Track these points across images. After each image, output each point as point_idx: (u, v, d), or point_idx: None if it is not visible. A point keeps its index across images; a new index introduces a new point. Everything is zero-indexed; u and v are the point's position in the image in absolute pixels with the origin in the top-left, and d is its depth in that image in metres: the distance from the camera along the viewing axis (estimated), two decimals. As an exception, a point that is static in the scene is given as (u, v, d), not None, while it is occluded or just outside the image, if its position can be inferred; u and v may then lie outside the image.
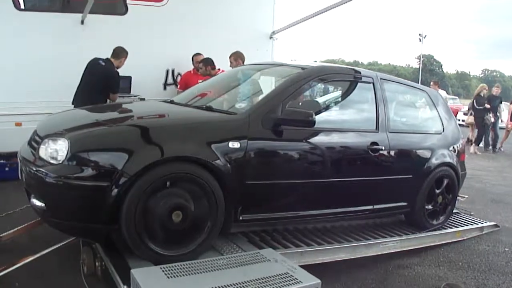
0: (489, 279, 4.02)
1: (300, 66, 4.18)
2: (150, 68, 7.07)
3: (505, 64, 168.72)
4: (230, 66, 6.49)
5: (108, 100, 5.86)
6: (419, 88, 5.28)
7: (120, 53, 5.94)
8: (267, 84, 4.41)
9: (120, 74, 6.61)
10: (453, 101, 25.44)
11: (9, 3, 6.00)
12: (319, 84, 4.48)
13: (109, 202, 2.82)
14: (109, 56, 5.93)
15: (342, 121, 4.28)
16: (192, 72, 7.02)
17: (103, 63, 5.85)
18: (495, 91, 12.85)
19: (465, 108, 24.04)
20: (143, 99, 6.55)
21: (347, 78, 4.41)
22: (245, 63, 6.37)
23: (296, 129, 3.54)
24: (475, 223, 5.31)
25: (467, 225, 5.16)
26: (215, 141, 3.17)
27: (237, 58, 6.47)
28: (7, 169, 6.01)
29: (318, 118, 3.49)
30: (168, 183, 2.98)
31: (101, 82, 5.76)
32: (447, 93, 21.54)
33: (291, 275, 2.81)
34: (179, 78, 7.48)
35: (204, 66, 6.66)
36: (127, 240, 2.89)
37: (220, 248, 3.38)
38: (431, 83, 12.92)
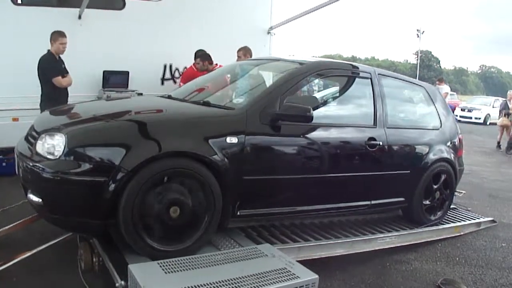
0: (486, 274, 4.04)
1: (298, 61, 4.17)
2: (147, 63, 7.05)
3: (502, 60, 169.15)
4: (238, 60, 6.43)
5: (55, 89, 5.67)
6: (417, 84, 5.28)
7: (50, 36, 5.68)
8: (265, 79, 4.40)
9: (118, 69, 6.62)
10: (451, 97, 25.45)
11: (6, -2, 5.97)
12: (317, 80, 4.47)
13: (107, 197, 2.82)
14: (106, 52, 5.91)
15: (340, 117, 4.26)
16: (194, 68, 6.97)
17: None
18: None
19: (463, 104, 24.19)
20: (140, 94, 6.54)
21: (345, 73, 4.41)
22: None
23: (294, 124, 3.53)
24: (473, 219, 5.33)
25: (464, 221, 5.17)
26: (212, 136, 3.17)
27: (245, 53, 6.44)
28: (4, 164, 6.01)
29: (315, 113, 3.48)
30: (165, 178, 2.98)
31: (40, 76, 5.66)
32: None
33: (288, 270, 2.82)
34: (176, 73, 7.46)
35: (202, 61, 6.64)
36: (125, 235, 2.88)
37: (217, 244, 3.38)
38: (437, 81, 12.77)
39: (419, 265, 4.12)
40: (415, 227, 4.61)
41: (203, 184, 3.08)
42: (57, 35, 5.66)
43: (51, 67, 5.63)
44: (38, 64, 5.63)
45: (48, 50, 5.69)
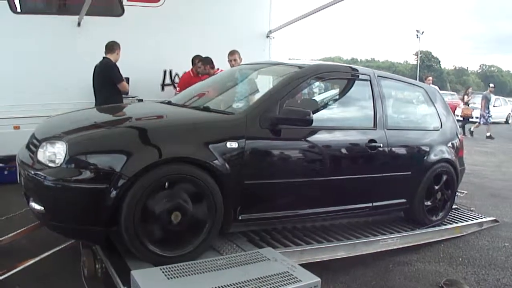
0: (489, 274, 4.03)
1: (297, 65, 4.19)
2: (147, 69, 7.06)
3: (502, 59, 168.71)
4: (234, 64, 6.45)
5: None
6: (416, 85, 5.28)
7: (113, 45, 6.02)
8: (265, 84, 4.41)
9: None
10: (451, 97, 25.41)
11: (5, 6, 6.00)
12: (317, 83, 4.48)
13: (108, 204, 2.83)
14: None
15: (340, 119, 4.28)
16: (191, 73, 6.99)
17: (99, 64, 6.00)
18: None
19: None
20: (141, 100, 6.56)
21: (344, 76, 4.41)
22: (242, 62, 6.36)
23: (294, 128, 3.54)
24: (475, 219, 5.32)
25: (466, 221, 5.17)
26: (213, 141, 3.18)
27: (239, 55, 6.51)
28: (6, 172, 6.01)
29: (315, 116, 3.49)
30: (166, 184, 2.99)
31: (102, 79, 5.92)
32: (440, 88, 21.31)
33: (291, 274, 2.82)
34: (176, 79, 7.47)
35: (203, 65, 6.67)
36: (127, 241, 2.89)
37: (219, 248, 3.39)
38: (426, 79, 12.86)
39: (422, 266, 4.12)
40: (417, 228, 4.61)
41: (204, 189, 3.09)
42: (118, 45, 6.06)
43: (118, 73, 5.99)
44: (103, 69, 5.96)
45: (106, 58, 5.98)
